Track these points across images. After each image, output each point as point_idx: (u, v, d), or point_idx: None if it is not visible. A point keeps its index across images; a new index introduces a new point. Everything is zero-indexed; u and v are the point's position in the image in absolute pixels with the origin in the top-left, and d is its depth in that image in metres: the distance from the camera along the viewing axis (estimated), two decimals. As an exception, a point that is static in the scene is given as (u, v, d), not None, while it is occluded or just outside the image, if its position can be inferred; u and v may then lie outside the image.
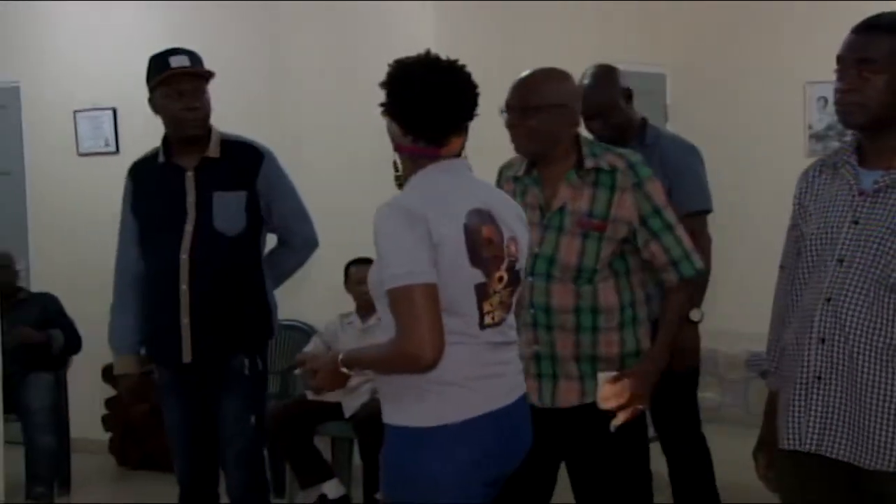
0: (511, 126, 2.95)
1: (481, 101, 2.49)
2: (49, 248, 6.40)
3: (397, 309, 2.28)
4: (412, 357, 2.27)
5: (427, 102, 2.37)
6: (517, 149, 3.00)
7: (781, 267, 2.55)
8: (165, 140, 3.49)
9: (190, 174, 3.41)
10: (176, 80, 3.36)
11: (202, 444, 3.50)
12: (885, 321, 2.25)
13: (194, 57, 3.44)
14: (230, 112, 5.51)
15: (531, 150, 2.97)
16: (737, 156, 6.57)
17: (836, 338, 2.27)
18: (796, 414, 2.35)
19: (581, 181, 2.95)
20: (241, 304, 3.43)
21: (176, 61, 3.37)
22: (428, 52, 2.44)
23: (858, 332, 2.26)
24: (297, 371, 2.90)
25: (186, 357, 3.39)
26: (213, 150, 3.43)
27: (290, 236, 3.57)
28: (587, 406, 2.92)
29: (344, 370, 2.44)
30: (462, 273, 2.35)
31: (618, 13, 6.31)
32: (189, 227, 3.37)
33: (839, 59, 2.28)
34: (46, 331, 5.39)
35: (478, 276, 2.38)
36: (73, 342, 5.52)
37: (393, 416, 2.41)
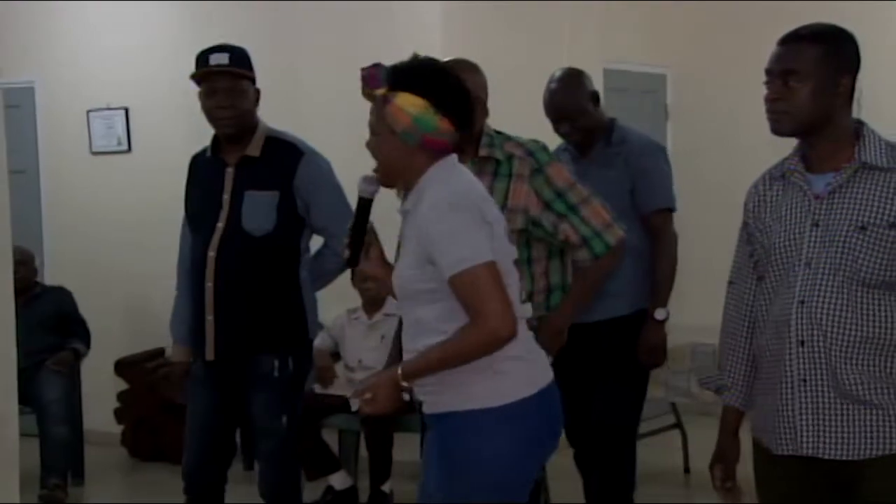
0: None
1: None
2: (63, 245, 6.45)
3: (467, 291, 2.30)
4: (493, 334, 2.30)
5: (468, 99, 2.46)
6: None
7: (730, 282, 2.58)
8: (215, 135, 3.47)
9: (230, 170, 3.39)
10: (212, 78, 3.35)
11: (215, 440, 3.47)
12: (858, 316, 2.29)
13: (236, 55, 3.39)
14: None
15: None
16: (736, 155, 6.59)
17: (815, 339, 2.31)
18: (788, 420, 2.37)
19: (479, 171, 2.91)
20: (269, 304, 3.37)
21: (214, 59, 3.35)
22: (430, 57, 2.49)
23: (835, 330, 2.30)
24: (351, 400, 2.84)
25: (209, 355, 3.37)
26: (254, 149, 3.39)
27: (331, 238, 3.45)
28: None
29: (404, 384, 2.41)
30: (508, 249, 2.46)
31: (620, 14, 6.33)
32: (220, 225, 3.36)
33: (767, 71, 2.36)
34: (72, 347, 5.47)
35: (514, 252, 2.49)
36: (87, 341, 5.59)
37: (459, 404, 2.40)
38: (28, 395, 5.02)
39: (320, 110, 5.61)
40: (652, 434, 5.43)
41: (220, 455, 3.51)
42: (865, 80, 7.07)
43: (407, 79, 2.39)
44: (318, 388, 4.95)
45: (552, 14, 5.80)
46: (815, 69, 2.31)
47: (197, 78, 3.40)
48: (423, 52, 2.57)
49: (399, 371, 2.40)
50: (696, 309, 6.43)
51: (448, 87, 2.41)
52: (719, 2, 6.54)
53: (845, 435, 2.32)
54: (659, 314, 3.72)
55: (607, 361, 3.71)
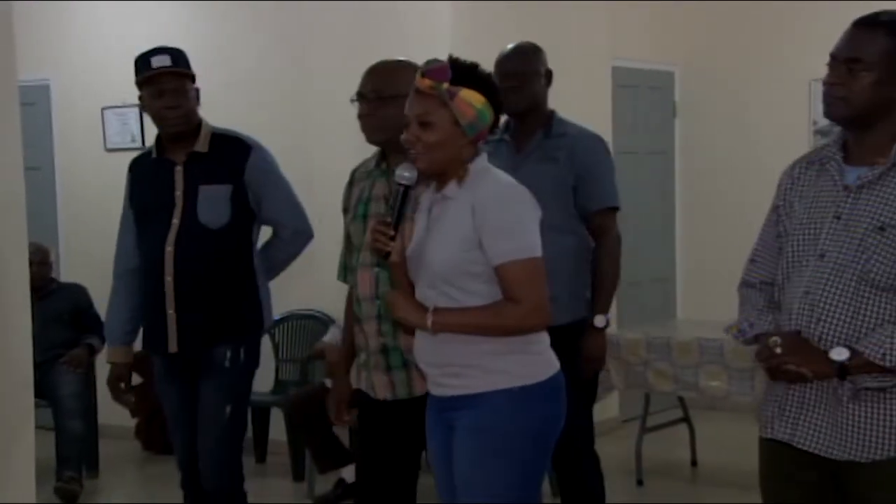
0: (364, 115, 2.88)
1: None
2: (78, 240, 6.44)
3: (517, 280, 2.43)
4: (531, 321, 2.46)
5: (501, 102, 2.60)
6: (368, 137, 2.91)
7: (752, 260, 2.50)
8: (158, 136, 3.50)
9: (179, 168, 3.41)
10: (157, 80, 3.37)
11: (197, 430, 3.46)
12: (860, 315, 2.23)
13: (177, 56, 3.42)
14: (248, 110, 5.56)
15: (382, 138, 2.88)
16: (742, 151, 6.55)
17: (812, 330, 2.26)
18: (775, 405, 2.37)
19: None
20: (227, 296, 3.40)
21: (157, 61, 3.38)
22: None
23: (830, 326, 2.25)
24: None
25: (172, 347, 3.39)
26: (202, 145, 3.42)
27: (281, 228, 3.52)
28: None
29: (429, 319, 2.45)
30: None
31: (628, 13, 6.30)
32: (175, 221, 3.37)
33: (832, 55, 2.29)
34: (87, 343, 5.46)
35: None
36: (101, 336, 5.57)
37: (494, 383, 2.48)
38: (44, 390, 5.03)
39: (330, 110, 5.59)
40: (659, 428, 5.41)
41: None
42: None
43: (469, 75, 2.50)
44: (329, 383, 4.93)
45: (561, 13, 5.76)
46: (880, 60, 2.24)
47: (139, 81, 3.42)
48: (433, 53, 2.59)
49: (433, 310, 2.47)
50: (703, 305, 6.42)
51: (495, 88, 2.54)
52: (726, 1, 6.49)
53: (826, 429, 2.29)
54: (598, 321, 3.46)
55: None
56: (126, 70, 6.12)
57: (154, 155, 3.49)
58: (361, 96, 2.88)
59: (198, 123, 3.45)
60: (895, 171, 2.26)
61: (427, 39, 5.26)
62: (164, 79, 3.37)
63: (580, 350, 3.44)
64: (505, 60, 3.50)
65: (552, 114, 3.58)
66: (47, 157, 6.51)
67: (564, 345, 3.25)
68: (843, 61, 2.26)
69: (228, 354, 3.40)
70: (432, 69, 2.48)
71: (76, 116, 6.44)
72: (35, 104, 6.28)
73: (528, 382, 2.50)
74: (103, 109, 6.30)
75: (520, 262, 2.43)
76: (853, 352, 2.20)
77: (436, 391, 2.59)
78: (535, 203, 2.52)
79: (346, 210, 3.02)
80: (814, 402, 2.30)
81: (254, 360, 3.52)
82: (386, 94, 2.83)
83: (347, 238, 2.99)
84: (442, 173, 2.53)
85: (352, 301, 2.94)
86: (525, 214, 2.49)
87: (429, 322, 2.46)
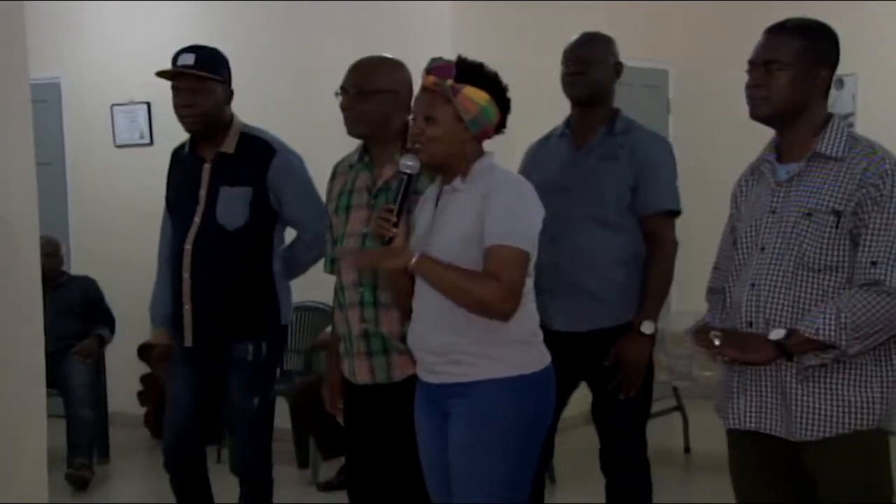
0: (346, 107, 2.93)
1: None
2: (88, 234, 6.47)
3: (508, 260, 2.46)
4: (510, 301, 2.47)
5: (509, 100, 2.64)
6: (349, 130, 2.95)
7: (715, 268, 2.62)
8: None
9: (207, 166, 3.43)
10: (177, 78, 3.39)
11: (193, 418, 3.50)
12: (800, 300, 2.32)
13: (202, 56, 3.40)
14: (255, 108, 5.57)
15: (362, 131, 2.93)
16: (737, 149, 6.55)
17: (760, 320, 2.35)
18: (734, 395, 2.42)
19: None
20: (243, 295, 3.41)
21: (181, 60, 3.39)
22: None
23: (776, 312, 2.33)
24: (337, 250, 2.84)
25: (188, 342, 3.42)
26: (229, 145, 3.42)
27: (302, 231, 3.51)
28: None
29: (411, 261, 2.47)
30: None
31: (624, 12, 6.31)
32: (197, 219, 3.40)
33: (750, 61, 2.41)
34: (97, 334, 5.50)
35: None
36: (111, 327, 5.62)
37: (494, 371, 2.51)
38: (55, 379, 5.06)
39: (332, 108, 5.61)
40: (654, 416, 5.41)
41: (197, 432, 3.54)
42: (862, 78, 7.03)
43: (473, 73, 2.54)
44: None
45: (557, 13, 5.78)
46: (795, 60, 2.36)
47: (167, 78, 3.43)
48: (434, 52, 2.63)
49: (418, 255, 2.48)
50: (696, 297, 6.44)
51: (502, 87, 2.58)
52: (720, 0, 6.52)
53: (782, 414, 2.35)
54: (646, 328, 3.21)
55: (596, 379, 3.30)
56: (134, 69, 6.22)
57: (187, 150, 3.51)
58: (344, 90, 2.93)
59: (226, 123, 3.45)
60: (816, 161, 2.36)
61: (428, 39, 5.29)
62: (182, 77, 3.38)
63: (621, 354, 3.21)
64: (571, 47, 3.35)
65: (617, 111, 3.38)
66: (58, 153, 6.54)
67: (609, 349, 3.21)
68: (762, 64, 2.38)
69: (251, 349, 3.42)
70: (436, 67, 2.53)
71: (86, 114, 6.47)
72: (46, 102, 6.30)
73: (525, 372, 2.54)
74: (112, 107, 6.33)
75: (511, 247, 2.46)
76: (790, 331, 2.27)
77: (431, 379, 2.60)
78: (540, 202, 2.56)
79: (328, 203, 3.06)
80: (762, 386, 2.38)
81: (277, 355, 3.55)
82: (367, 88, 2.88)
83: (331, 230, 3.03)
84: (446, 167, 2.57)
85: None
86: (532, 208, 2.53)
87: (413, 260, 2.46)
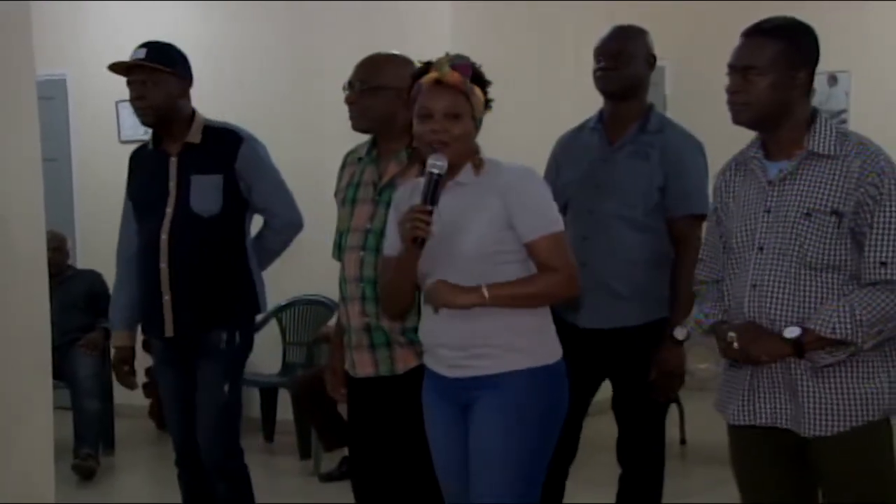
0: (351, 102, 2.93)
1: (495, 96, 2.61)
2: (93, 228, 6.46)
3: (553, 251, 2.52)
4: (574, 284, 2.55)
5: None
6: (354, 124, 2.95)
7: (701, 259, 2.62)
8: (155, 129, 3.49)
9: (173, 159, 3.41)
10: (130, 72, 3.39)
11: (193, 413, 3.46)
12: (803, 299, 2.31)
13: (153, 49, 3.41)
14: (257, 107, 5.58)
15: (365, 125, 2.93)
16: (733, 145, 6.54)
17: (763, 320, 2.34)
18: (745, 393, 2.41)
19: (410, 160, 2.88)
20: (220, 281, 3.39)
21: (133, 54, 3.40)
22: None
23: (779, 312, 2.32)
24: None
25: (168, 332, 3.39)
26: (194, 136, 3.40)
27: (272, 218, 3.50)
28: (423, 367, 2.75)
29: (484, 293, 2.46)
30: None
31: (621, 10, 6.30)
32: (169, 209, 3.37)
33: (729, 66, 2.38)
34: (102, 327, 5.46)
35: None
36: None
37: (516, 362, 2.52)
38: (62, 371, 5.05)
39: (334, 109, 5.61)
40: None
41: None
42: (855, 75, 7.03)
43: (479, 75, 2.58)
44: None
45: (556, 13, 5.77)
46: (772, 64, 2.33)
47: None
48: (434, 52, 2.62)
49: (485, 286, 2.47)
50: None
51: (486, 89, 2.60)
52: (716, -2, 6.52)
53: (794, 410, 2.34)
54: (679, 333, 2.96)
55: (619, 375, 3.26)
56: (139, 66, 6.20)
57: (151, 147, 3.50)
58: (350, 85, 2.93)
59: (187, 116, 3.43)
60: (810, 159, 2.35)
61: (427, 38, 5.27)
62: (135, 71, 3.38)
63: (655, 362, 3.13)
64: (602, 41, 3.25)
65: (651, 107, 3.29)
66: (64, 149, 6.54)
67: (635, 347, 3.16)
68: (740, 70, 2.35)
69: (224, 337, 3.39)
70: (462, 65, 2.53)
71: (91, 110, 6.46)
72: (52, 98, 6.30)
73: (545, 363, 2.56)
74: (117, 103, 6.32)
75: (551, 235, 2.51)
76: (804, 329, 2.26)
77: (452, 373, 2.57)
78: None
79: (336, 192, 3.05)
80: (773, 383, 2.36)
81: (248, 343, 3.52)
82: (372, 84, 2.87)
83: (338, 221, 3.03)
84: (460, 164, 2.57)
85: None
86: (546, 193, 2.58)
87: (486, 295, 2.45)
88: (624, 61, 3.20)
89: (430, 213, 2.48)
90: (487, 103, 2.59)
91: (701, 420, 5.74)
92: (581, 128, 3.39)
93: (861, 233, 2.28)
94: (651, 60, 3.28)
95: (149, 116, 3.40)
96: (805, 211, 2.32)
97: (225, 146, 3.39)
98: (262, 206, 3.47)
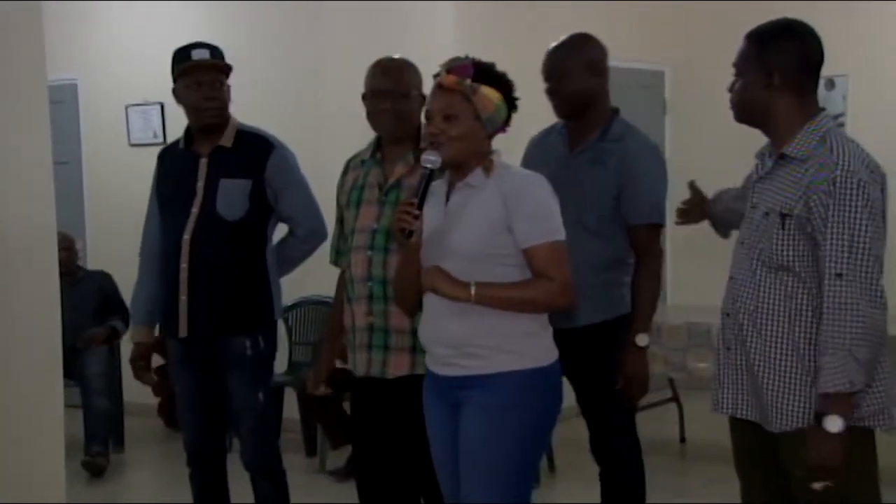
0: (378, 109, 2.93)
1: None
2: (103, 230, 6.48)
3: (549, 259, 2.49)
4: (567, 295, 2.51)
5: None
6: (382, 129, 2.96)
7: (741, 243, 2.56)
8: (187, 129, 3.48)
9: (204, 160, 3.39)
10: (196, 72, 3.35)
11: (206, 414, 3.46)
12: (759, 296, 2.34)
13: (215, 51, 3.41)
14: (263, 105, 5.58)
15: (393, 130, 2.94)
16: (733, 150, 6.53)
17: (733, 310, 2.39)
18: (718, 382, 2.47)
19: (417, 161, 2.87)
20: (239, 286, 3.36)
21: (197, 54, 3.36)
22: None
23: (745, 307, 2.36)
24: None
25: (182, 332, 3.37)
26: (227, 139, 3.39)
27: (297, 227, 3.47)
28: (417, 377, 2.76)
29: (472, 290, 2.43)
30: None
31: (620, 12, 6.30)
32: (195, 210, 3.35)
33: (733, 64, 2.44)
34: (109, 325, 5.50)
35: None
36: (126, 320, 5.61)
37: (508, 363, 2.50)
38: (72, 370, 5.07)
39: (340, 107, 5.62)
40: (650, 407, 5.43)
41: (214, 426, 3.51)
42: (853, 79, 6.98)
43: (487, 73, 2.54)
44: (339, 363, 4.96)
45: (557, 13, 5.77)
46: (745, 67, 2.38)
47: (177, 73, 3.39)
48: (436, 51, 2.61)
49: (473, 283, 2.45)
50: (690, 292, 6.44)
51: (510, 86, 2.58)
52: (717, 1, 6.49)
53: (756, 402, 2.37)
54: (641, 340, 3.08)
55: (577, 376, 3.16)
56: (148, 70, 6.21)
57: (182, 146, 3.48)
58: (380, 93, 2.93)
59: (228, 118, 3.43)
60: (783, 162, 2.36)
61: (430, 38, 5.28)
62: (203, 70, 3.35)
63: (619, 364, 3.11)
64: (543, 61, 3.20)
65: (615, 113, 3.19)
66: (75, 153, 6.55)
67: (590, 346, 3.12)
68: (734, 69, 2.42)
69: (248, 343, 3.36)
70: (457, 66, 2.52)
71: (102, 114, 6.48)
72: (63, 102, 6.32)
73: (538, 365, 2.53)
74: (127, 107, 6.34)
75: (549, 244, 2.49)
76: (820, 404, 2.22)
77: (444, 371, 2.57)
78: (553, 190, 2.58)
79: (339, 197, 3.05)
80: (737, 374, 2.41)
81: (273, 347, 3.51)
82: (399, 90, 2.92)
83: (340, 223, 3.04)
84: (464, 164, 2.56)
85: (342, 283, 2.99)
86: (550, 201, 2.55)
87: (472, 292, 2.44)
88: (562, 81, 3.12)
89: (418, 206, 2.50)
90: (513, 101, 2.58)
91: (700, 419, 5.74)
92: (551, 130, 3.33)
93: (816, 241, 2.25)
94: (596, 67, 3.14)
95: (217, 117, 3.38)
96: (765, 210, 2.35)
97: (256, 152, 3.38)
98: (288, 214, 3.45)
